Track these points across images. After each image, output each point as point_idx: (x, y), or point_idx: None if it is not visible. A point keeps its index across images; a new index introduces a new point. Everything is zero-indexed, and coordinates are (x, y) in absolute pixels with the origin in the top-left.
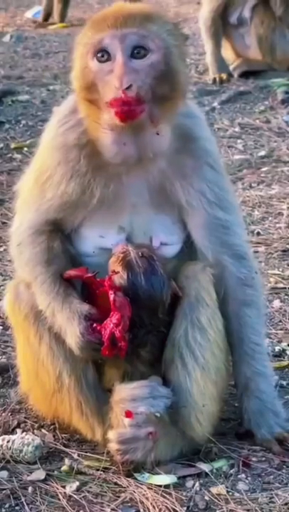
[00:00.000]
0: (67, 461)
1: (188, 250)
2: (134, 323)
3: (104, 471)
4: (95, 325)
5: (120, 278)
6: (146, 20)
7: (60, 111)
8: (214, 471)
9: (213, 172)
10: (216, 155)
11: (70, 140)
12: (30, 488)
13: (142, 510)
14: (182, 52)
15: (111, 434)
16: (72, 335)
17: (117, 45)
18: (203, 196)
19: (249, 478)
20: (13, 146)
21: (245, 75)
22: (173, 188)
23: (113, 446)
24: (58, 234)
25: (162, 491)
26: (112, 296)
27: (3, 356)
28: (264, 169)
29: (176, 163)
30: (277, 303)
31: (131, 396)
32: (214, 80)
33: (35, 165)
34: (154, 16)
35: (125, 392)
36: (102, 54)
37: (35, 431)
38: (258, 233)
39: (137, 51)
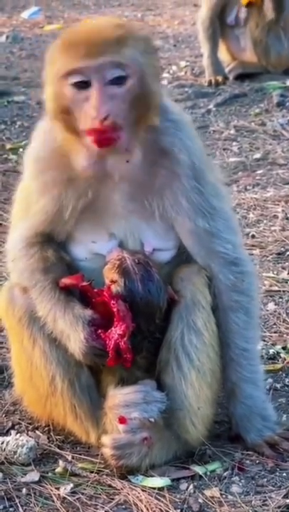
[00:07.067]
0: (61, 462)
1: (184, 255)
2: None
3: (98, 473)
4: (99, 331)
5: (117, 285)
6: (122, 45)
7: (40, 124)
8: (208, 473)
9: (191, 181)
10: (196, 163)
11: (42, 154)
12: (24, 490)
13: None
14: (156, 68)
15: (106, 440)
16: (76, 340)
17: (93, 75)
18: (181, 207)
19: (243, 481)
20: (8, 147)
21: (241, 77)
22: (153, 200)
23: (108, 452)
24: (51, 244)
25: (156, 493)
26: (115, 307)
27: None
28: (259, 172)
29: (151, 176)
30: (271, 306)
31: (124, 402)
32: (210, 82)
33: (22, 178)
34: (128, 38)
35: (119, 398)
36: (78, 82)
37: (29, 432)
38: (253, 236)
39: (115, 79)
